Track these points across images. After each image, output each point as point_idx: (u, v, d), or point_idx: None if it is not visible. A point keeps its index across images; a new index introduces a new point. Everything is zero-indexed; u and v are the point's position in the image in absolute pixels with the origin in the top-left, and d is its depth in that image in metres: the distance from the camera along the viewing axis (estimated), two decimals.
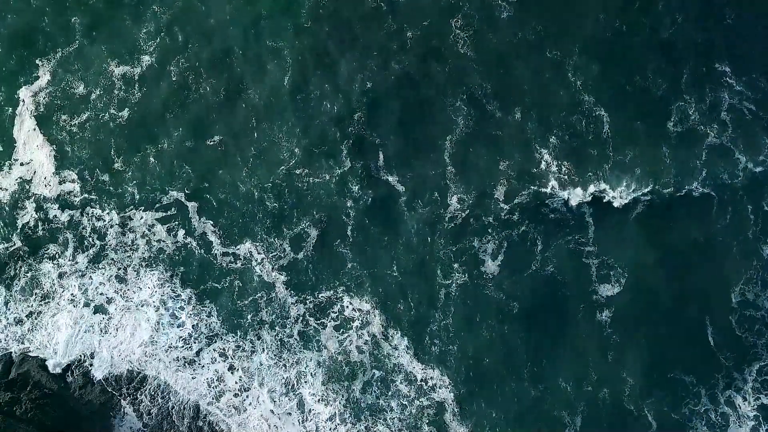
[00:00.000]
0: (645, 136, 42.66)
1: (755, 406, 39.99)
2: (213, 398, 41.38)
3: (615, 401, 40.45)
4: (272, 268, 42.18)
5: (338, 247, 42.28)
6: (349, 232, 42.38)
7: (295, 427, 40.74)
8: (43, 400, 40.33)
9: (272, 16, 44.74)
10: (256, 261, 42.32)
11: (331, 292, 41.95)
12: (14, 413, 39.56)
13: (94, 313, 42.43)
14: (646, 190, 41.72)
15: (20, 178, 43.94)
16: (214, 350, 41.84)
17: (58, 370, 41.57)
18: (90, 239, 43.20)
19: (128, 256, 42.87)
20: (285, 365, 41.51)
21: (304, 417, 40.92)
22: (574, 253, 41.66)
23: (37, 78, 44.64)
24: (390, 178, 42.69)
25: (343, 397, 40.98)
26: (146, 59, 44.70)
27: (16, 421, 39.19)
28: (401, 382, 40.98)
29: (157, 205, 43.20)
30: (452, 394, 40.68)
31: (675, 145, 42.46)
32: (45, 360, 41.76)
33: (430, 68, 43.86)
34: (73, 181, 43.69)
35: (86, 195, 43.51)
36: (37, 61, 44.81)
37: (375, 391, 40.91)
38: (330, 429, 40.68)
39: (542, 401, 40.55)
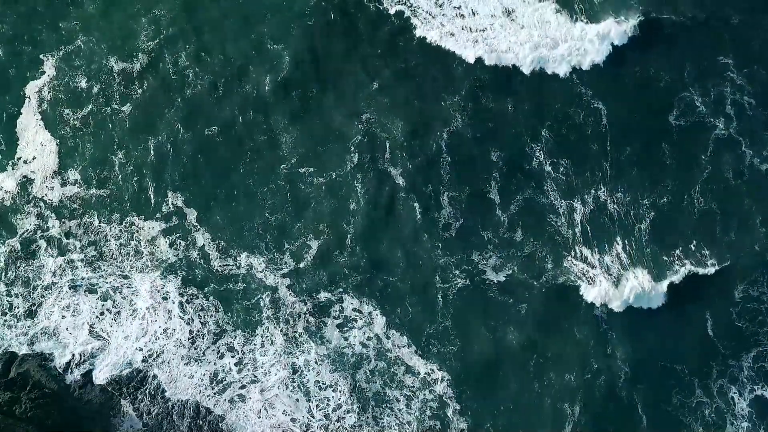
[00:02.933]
0: (645, 132, 42.66)
1: (749, 400, 39.97)
2: (218, 392, 41.30)
3: (613, 394, 40.56)
4: (273, 276, 42.20)
5: (338, 255, 42.31)
6: (349, 241, 42.39)
7: (303, 415, 40.68)
8: (42, 399, 40.28)
9: (274, 14, 44.92)
10: (257, 269, 42.35)
11: (331, 294, 41.93)
12: (14, 413, 39.49)
13: (98, 308, 42.51)
14: (646, 201, 41.81)
15: (24, 177, 44.01)
16: (220, 344, 41.82)
17: (63, 362, 41.53)
18: (92, 239, 43.24)
19: (131, 256, 42.93)
20: (292, 355, 41.48)
21: (312, 405, 40.91)
22: (572, 250, 41.77)
23: (43, 73, 44.84)
24: (392, 177, 42.78)
25: (350, 386, 41.03)
26: (145, 58, 44.90)
27: (16, 420, 39.14)
28: (404, 375, 41.01)
29: (159, 207, 43.26)
30: (452, 390, 40.68)
31: (677, 141, 42.39)
32: (46, 358, 41.72)
33: (434, 65, 44.14)
34: (75, 181, 43.78)
35: (88, 195, 43.58)
36: (42, 57, 45.07)
37: (379, 382, 40.98)
38: (338, 417, 40.71)
39: (543, 394, 40.59)
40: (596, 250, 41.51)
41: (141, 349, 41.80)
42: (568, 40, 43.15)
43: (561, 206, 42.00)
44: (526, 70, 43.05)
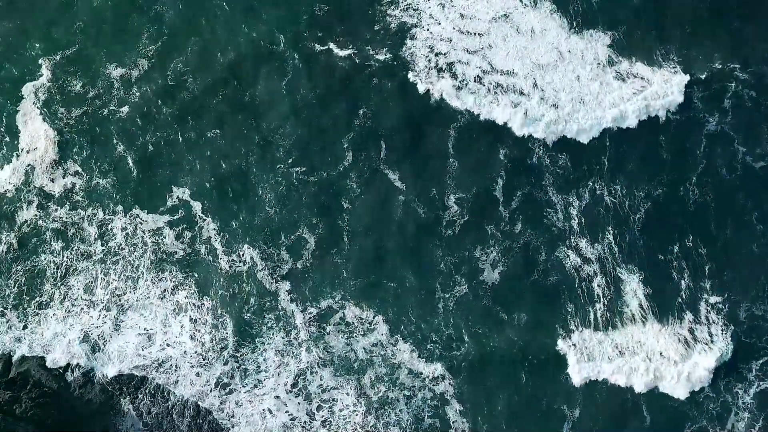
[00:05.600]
0: (642, 128, 42.89)
1: (753, 394, 39.98)
2: (222, 395, 41.34)
3: (615, 392, 40.55)
4: (273, 279, 42.26)
5: (336, 256, 42.35)
6: (345, 239, 42.49)
7: (304, 415, 40.75)
8: (43, 399, 40.22)
9: (275, 17, 45.20)
10: (258, 268, 42.42)
11: (332, 300, 41.98)
12: (14, 412, 39.41)
13: (102, 312, 42.51)
14: (642, 193, 41.98)
15: (28, 165, 43.99)
16: (224, 348, 41.81)
17: (61, 363, 41.56)
18: (94, 236, 43.26)
19: (133, 256, 43.00)
20: (294, 359, 41.51)
21: (313, 407, 40.94)
22: (573, 254, 41.82)
23: (41, 75, 45.07)
24: (391, 177, 42.87)
25: (353, 387, 41.07)
26: (144, 62, 45.19)
27: (16, 420, 39.07)
28: (407, 377, 41.04)
29: (161, 206, 43.36)
30: (453, 389, 40.75)
31: (673, 137, 42.69)
32: (46, 358, 41.73)
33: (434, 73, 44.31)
34: (75, 173, 43.90)
35: (89, 191, 43.67)
36: (40, 61, 45.29)
37: (381, 384, 41.03)
38: (342, 417, 40.78)
39: (542, 394, 40.63)
40: (594, 245, 41.62)
41: (143, 355, 41.85)
42: (568, 48, 43.66)
43: (559, 201, 42.16)
44: (523, 75, 43.40)
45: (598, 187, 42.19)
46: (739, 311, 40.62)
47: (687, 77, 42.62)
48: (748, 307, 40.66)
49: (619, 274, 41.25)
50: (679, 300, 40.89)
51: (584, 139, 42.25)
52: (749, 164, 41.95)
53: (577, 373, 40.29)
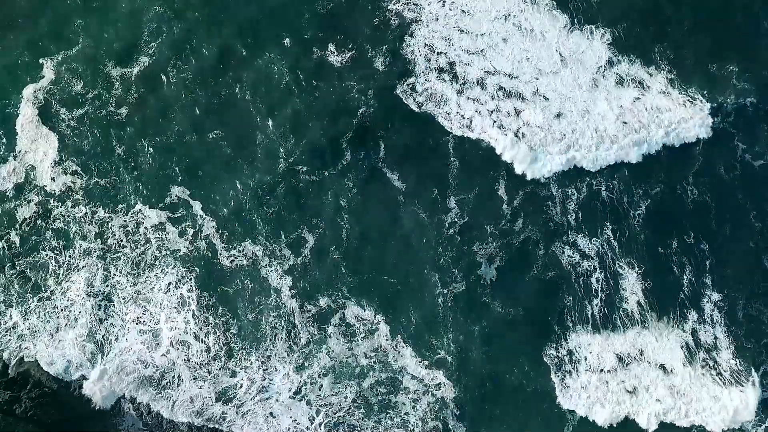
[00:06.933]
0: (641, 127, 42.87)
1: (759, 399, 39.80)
2: (223, 402, 41.31)
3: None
4: (276, 274, 42.27)
5: (335, 254, 42.36)
6: (344, 236, 42.49)
7: (305, 419, 40.65)
8: (43, 399, 40.29)
9: (272, 16, 45.39)
10: (259, 267, 42.44)
11: (332, 300, 41.95)
12: (14, 412, 39.49)
13: (102, 313, 42.61)
14: (640, 190, 41.96)
15: (29, 164, 44.11)
16: (225, 353, 41.77)
17: (59, 370, 41.61)
18: (95, 234, 43.32)
19: (134, 254, 43.02)
20: (296, 362, 41.42)
21: (314, 411, 40.85)
22: (572, 256, 41.69)
23: (42, 77, 45.26)
24: (390, 176, 42.91)
25: (353, 393, 40.98)
26: (145, 60, 45.37)
27: (16, 419, 39.14)
28: (407, 381, 40.92)
29: (160, 204, 43.47)
30: (453, 393, 40.64)
31: (672, 135, 42.61)
32: (46, 362, 41.80)
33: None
34: (75, 172, 44.04)
35: (89, 189, 43.77)
36: (41, 61, 45.52)
37: (382, 389, 40.95)
38: (342, 419, 40.68)
39: (543, 396, 40.49)
40: (593, 242, 41.55)
41: (144, 361, 41.86)
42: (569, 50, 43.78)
43: (558, 197, 42.14)
44: (525, 79, 43.47)
45: (595, 183, 42.24)
46: (738, 311, 40.54)
47: (689, 84, 42.72)
48: (745, 306, 40.62)
49: (619, 269, 41.16)
50: (681, 297, 40.80)
51: (591, 167, 42.06)
52: (748, 162, 41.96)
53: (568, 402, 40.28)
